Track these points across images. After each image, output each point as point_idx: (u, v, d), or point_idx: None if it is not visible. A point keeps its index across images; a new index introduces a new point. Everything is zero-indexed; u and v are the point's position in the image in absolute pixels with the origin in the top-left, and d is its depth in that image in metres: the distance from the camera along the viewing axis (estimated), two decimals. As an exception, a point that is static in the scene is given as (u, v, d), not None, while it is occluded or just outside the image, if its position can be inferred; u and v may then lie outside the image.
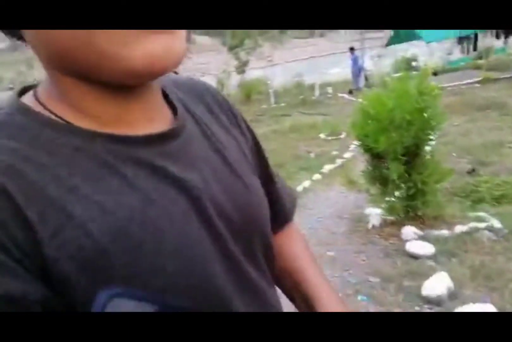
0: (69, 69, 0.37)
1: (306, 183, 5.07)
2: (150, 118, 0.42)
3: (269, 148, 7.42)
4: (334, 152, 6.62)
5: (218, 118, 0.52)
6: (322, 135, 7.89)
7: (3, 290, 0.30)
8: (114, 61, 0.34)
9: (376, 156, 3.04)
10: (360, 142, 3.01)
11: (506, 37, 14.87)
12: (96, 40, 0.33)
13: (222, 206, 0.44)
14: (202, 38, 38.07)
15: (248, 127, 0.57)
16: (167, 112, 0.46)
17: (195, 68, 38.49)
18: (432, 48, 14.24)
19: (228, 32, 14.49)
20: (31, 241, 0.33)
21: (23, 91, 0.42)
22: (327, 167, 5.66)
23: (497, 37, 14.93)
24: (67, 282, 0.33)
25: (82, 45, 0.34)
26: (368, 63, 16.32)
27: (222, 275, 0.42)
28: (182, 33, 0.38)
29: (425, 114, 2.87)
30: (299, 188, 4.93)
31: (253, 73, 17.66)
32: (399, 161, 2.85)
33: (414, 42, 13.10)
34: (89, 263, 0.34)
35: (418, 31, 11.62)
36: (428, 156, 3.04)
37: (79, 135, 0.38)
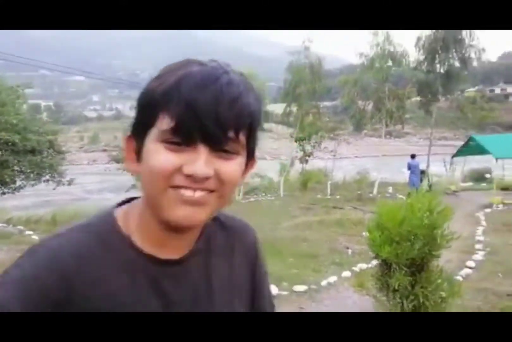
0: (149, 204, 0.55)
1: (332, 279, 5.10)
2: (180, 248, 0.61)
3: (310, 238, 7.61)
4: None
5: (233, 255, 0.68)
6: (366, 233, 7.91)
7: None
8: (163, 215, 0.53)
9: (385, 264, 3.20)
10: (370, 247, 3.23)
11: None
12: (157, 203, 0.52)
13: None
14: (279, 127, 41.79)
15: (259, 264, 0.73)
16: (191, 245, 0.62)
17: (267, 152, 41.35)
18: (503, 164, 13.98)
19: (299, 125, 15.89)
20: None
21: (124, 202, 0.62)
22: (359, 266, 5.65)
23: None
24: None
25: (153, 199, 0.53)
26: (438, 170, 16.34)
27: None
28: (209, 208, 0.53)
29: (435, 231, 3.06)
30: (324, 283, 4.98)
31: (318, 163, 18.55)
32: (404, 272, 2.99)
33: (484, 157, 13.02)
34: None
35: (487, 147, 11.64)
36: (437, 272, 3.12)
37: (133, 252, 0.57)
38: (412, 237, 3.05)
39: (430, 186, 13.47)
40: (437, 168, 16.55)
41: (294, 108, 17.29)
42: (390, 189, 13.63)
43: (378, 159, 21.21)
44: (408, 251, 3.01)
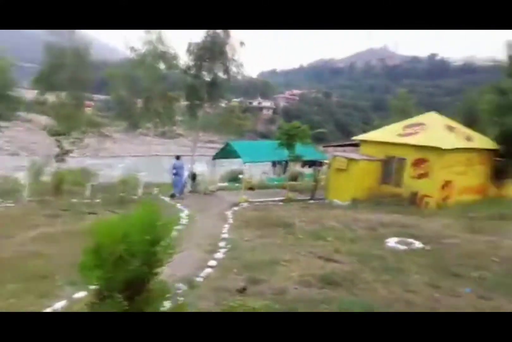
0: None
1: (60, 304, 4.26)
2: None
3: (48, 253, 6.39)
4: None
5: None
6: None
7: None
8: None
9: (98, 290, 2.69)
10: (79, 273, 2.66)
11: (309, 166, 18.08)
12: None
13: None
14: (41, 118, 35.55)
15: None
16: None
17: (23, 146, 34.67)
18: (251, 167, 16.21)
19: (55, 117, 13.77)
20: None
21: None
22: (100, 283, 4.99)
23: (303, 166, 18.14)
24: None
25: None
26: (202, 170, 17.39)
27: None
28: None
29: (157, 246, 2.77)
30: (47, 311, 4.07)
31: (84, 163, 16.66)
32: (117, 299, 2.56)
33: (236, 160, 14.66)
34: None
35: (238, 152, 13.19)
36: (159, 289, 2.85)
37: None
38: (130, 255, 2.67)
39: (193, 187, 14.16)
40: (202, 169, 17.69)
41: (51, 97, 14.85)
42: (156, 190, 13.51)
43: (148, 159, 20.99)
44: (123, 273, 2.60)
